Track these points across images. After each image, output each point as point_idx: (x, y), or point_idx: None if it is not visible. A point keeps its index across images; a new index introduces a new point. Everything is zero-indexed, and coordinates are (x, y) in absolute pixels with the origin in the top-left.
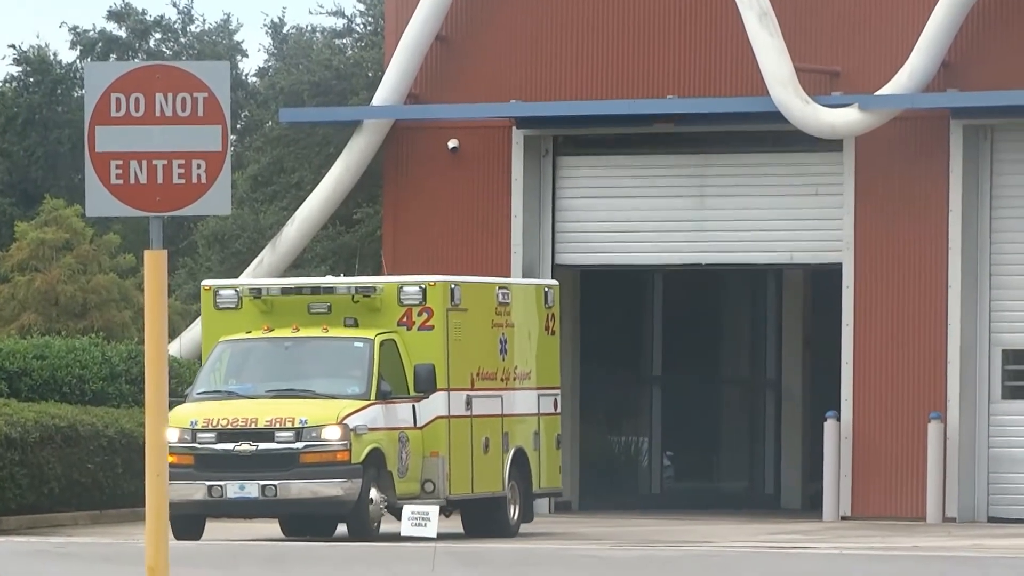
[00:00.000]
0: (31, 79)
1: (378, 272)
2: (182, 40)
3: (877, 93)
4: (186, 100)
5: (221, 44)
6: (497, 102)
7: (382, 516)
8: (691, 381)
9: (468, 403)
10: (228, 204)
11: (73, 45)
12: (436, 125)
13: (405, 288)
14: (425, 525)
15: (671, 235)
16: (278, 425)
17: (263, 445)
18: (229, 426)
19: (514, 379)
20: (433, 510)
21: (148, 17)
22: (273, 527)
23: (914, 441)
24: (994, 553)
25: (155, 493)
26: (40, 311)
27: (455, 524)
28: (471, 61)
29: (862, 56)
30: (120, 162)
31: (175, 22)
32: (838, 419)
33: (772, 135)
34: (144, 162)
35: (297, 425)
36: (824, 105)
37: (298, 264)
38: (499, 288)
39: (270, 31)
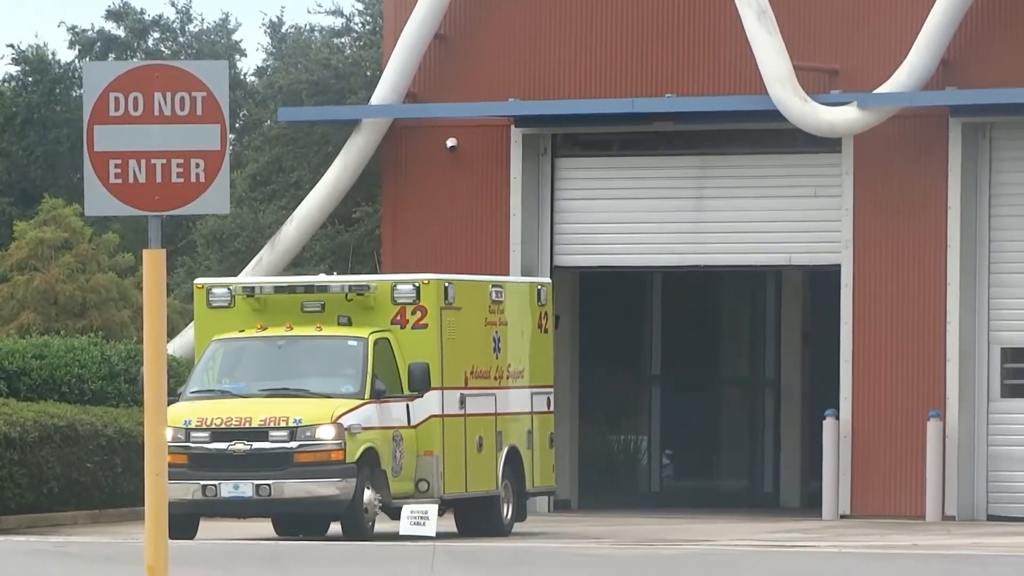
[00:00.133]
0: (30, 78)
1: (374, 271)
2: (180, 39)
3: (876, 91)
4: (185, 99)
5: (219, 43)
6: (496, 101)
7: (376, 515)
8: (690, 380)
9: (462, 402)
10: (227, 203)
11: (72, 44)
12: (435, 124)
13: (399, 286)
14: (424, 524)
15: (670, 237)
16: (272, 424)
17: (257, 444)
18: (223, 425)
19: (507, 377)
20: (432, 509)
21: (146, 16)
22: (266, 526)
23: (913, 439)
24: (993, 551)
25: (154, 492)
26: (39, 310)
27: (448, 523)
28: (470, 60)
29: (861, 54)
30: (119, 161)
31: (173, 21)
32: (837, 417)
33: (771, 134)
34: (143, 161)
35: (291, 424)
36: (823, 103)
37: (297, 263)
38: (492, 286)
39: (268, 30)
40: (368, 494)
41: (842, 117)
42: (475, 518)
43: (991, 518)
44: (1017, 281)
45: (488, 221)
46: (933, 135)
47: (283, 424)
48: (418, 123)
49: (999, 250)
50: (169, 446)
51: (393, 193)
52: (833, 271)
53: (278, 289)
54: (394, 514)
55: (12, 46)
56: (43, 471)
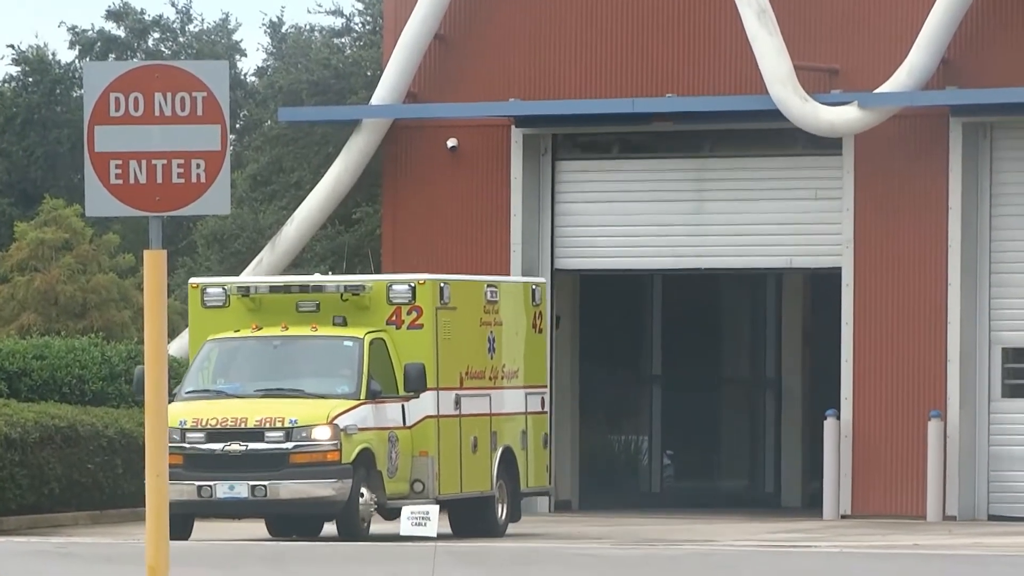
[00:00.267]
0: (30, 79)
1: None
2: (181, 40)
3: (876, 91)
4: (185, 100)
5: (220, 43)
6: (496, 101)
7: (372, 516)
8: (691, 380)
9: (457, 402)
10: (227, 204)
11: (72, 45)
12: (435, 124)
13: (394, 287)
14: (425, 525)
15: (670, 239)
16: (268, 425)
17: (253, 445)
18: (219, 426)
19: (502, 378)
20: (433, 509)
21: (147, 17)
22: (259, 527)
23: (914, 439)
24: (994, 551)
25: (155, 493)
26: (40, 311)
27: (442, 524)
28: (470, 60)
29: (861, 54)
30: (119, 162)
31: (174, 22)
32: (838, 418)
33: (771, 136)
34: (143, 162)
35: (287, 425)
36: (823, 103)
37: (297, 263)
38: (487, 286)
39: (269, 30)
40: (364, 495)
41: (842, 117)
42: (470, 518)
43: (992, 518)
44: (1018, 281)
45: (488, 222)
46: (933, 135)
47: (279, 425)
48: (418, 123)
49: (1000, 250)
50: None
51: (393, 193)
52: (834, 273)
53: (273, 289)
54: (389, 515)
55: (12, 46)
56: (44, 472)
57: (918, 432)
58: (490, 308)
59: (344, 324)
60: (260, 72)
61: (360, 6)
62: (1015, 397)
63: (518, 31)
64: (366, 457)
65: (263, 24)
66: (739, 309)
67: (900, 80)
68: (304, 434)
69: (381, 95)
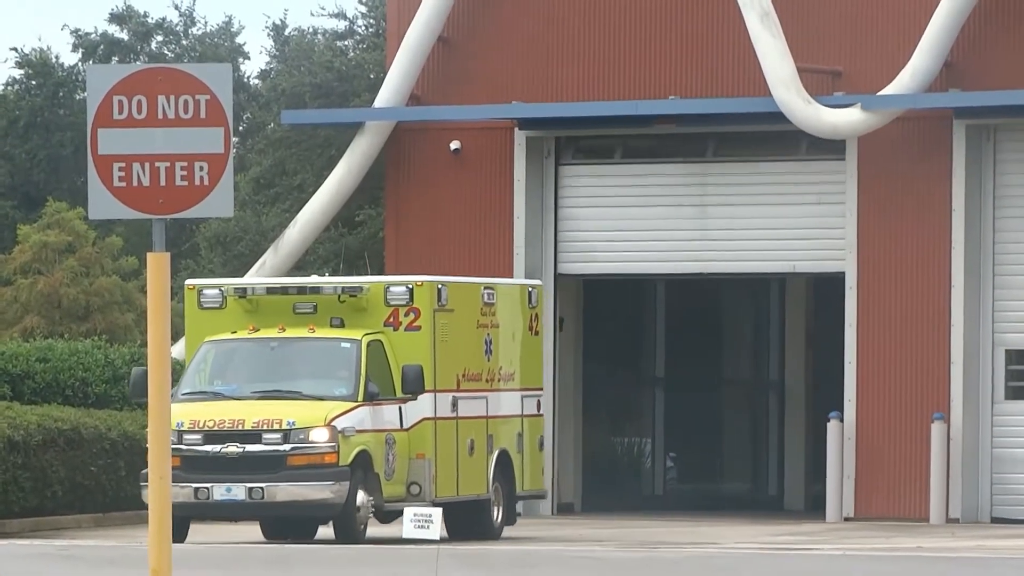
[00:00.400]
0: (33, 82)
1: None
2: (184, 42)
3: (880, 93)
4: (188, 102)
5: (223, 46)
6: (499, 103)
7: (369, 519)
8: (694, 383)
9: (454, 404)
10: (231, 206)
11: (75, 48)
12: (438, 127)
13: (392, 288)
14: (427, 527)
15: (673, 245)
16: (265, 427)
17: (250, 447)
18: (216, 427)
19: (499, 380)
20: (436, 512)
21: (150, 19)
22: (254, 529)
23: (917, 442)
24: (998, 554)
25: (158, 495)
26: (43, 314)
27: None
28: (473, 63)
29: (864, 56)
30: (123, 164)
31: (177, 24)
32: (841, 420)
33: (774, 141)
34: (147, 164)
35: (285, 427)
36: (826, 105)
37: (300, 266)
38: (484, 288)
39: (272, 33)
40: (361, 497)
41: (845, 119)
42: (465, 521)
43: (995, 520)
44: (1021, 283)
45: (491, 225)
46: (937, 137)
47: (276, 427)
48: (421, 126)
49: (1003, 252)
50: None
51: (396, 196)
52: (837, 278)
53: (270, 290)
54: (386, 518)
55: (15, 49)
56: (47, 475)
57: (921, 434)
58: (487, 310)
59: (341, 326)
60: (263, 75)
61: (363, 9)
62: (1018, 399)
63: (521, 33)
64: (363, 459)
65: (266, 27)
66: (742, 311)
67: (903, 82)
68: (302, 436)
69: (384, 98)
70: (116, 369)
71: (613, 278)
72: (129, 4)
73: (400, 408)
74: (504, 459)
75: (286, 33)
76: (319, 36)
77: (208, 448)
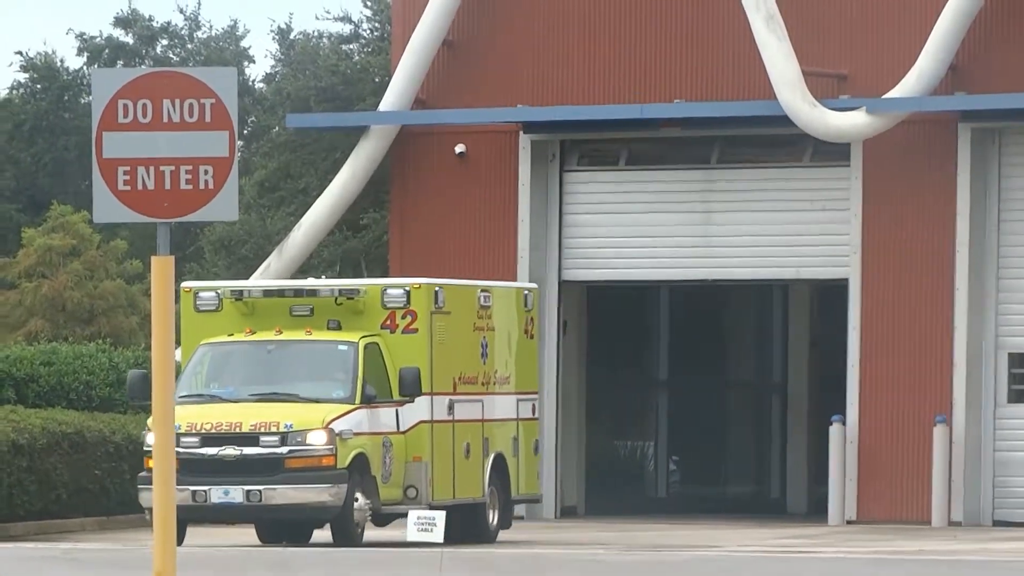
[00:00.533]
0: (38, 86)
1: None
2: (189, 46)
3: (885, 96)
4: (193, 106)
5: (228, 50)
6: (504, 107)
7: (367, 522)
8: (697, 386)
9: (450, 408)
10: (235, 210)
11: (80, 52)
12: (443, 130)
13: (389, 291)
14: (431, 530)
15: (677, 251)
16: (263, 429)
17: (248, 450)
18: (213, 430)
19: (494, 383)
20: (440, 515)
21: (155, 23)
22: (249, 532)
23: (919, 445)
24: (1000, 557)
25: (162, 498)
26: (47, 317)
27: None
28: (478, 66)
29: (869, 59)
30: (127, 168)
31: (182, 28)
32: (844, 423)
33: (779, 147)
34: (151, 168)
35: (282, 429)
36: (832, 108)
37: (305, 269)
38: (481, 291)
39: (277, 37)
40: (359, 500)
41: (851, 122)
42: (461, 524)
43: (997, 523)
44: None
45: (496, 227)
46: (942, 140)
47: (274, 429)
48: (426, 129)
49: (1007, 255)
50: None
51: (401, 199)
52: (841, 284)
53: (267, 293)
54: (382, 521)
55: (20, 53)
56: (51, 478)
57: (924, 437)
58: (483, 313)
59: (338, 328)
60: (268, 78)
61: (368, 12)
62: (1021, 402)
63: (526, 37)
64: (361, 462)
65: (271, 31)
66: (745, 315)
67: (909, 85)
68: (299, 439)
69: (389, 101)
70: (120, 373)
71: (617, 285)
72: (134, 8)
73: (397, 411)
74: (500, 462)
75: (291, 37)
76: (324, 40)
77: (205, 451)
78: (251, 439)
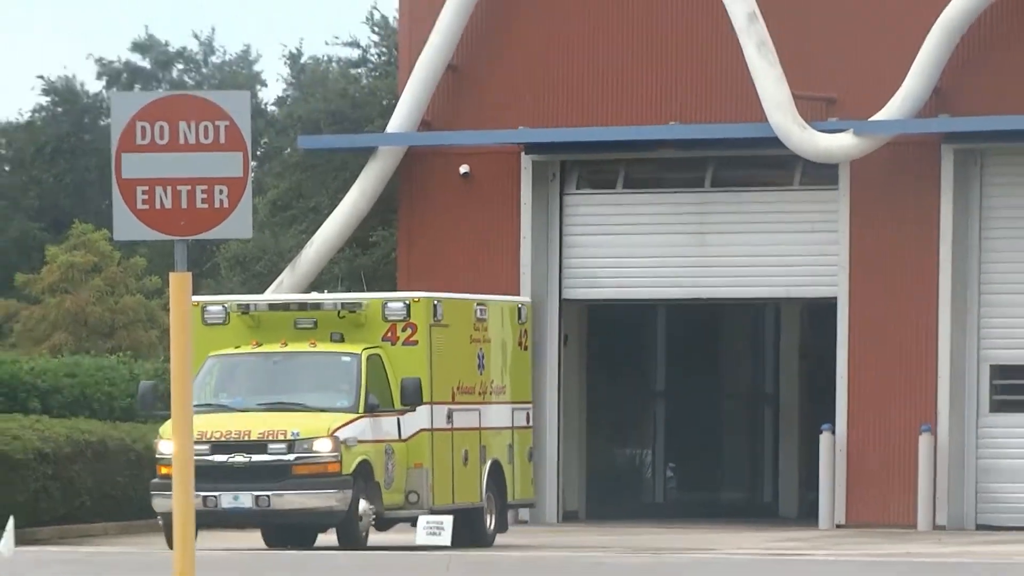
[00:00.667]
0: (59, 109)
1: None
2: (204, 70)
3: (871, 119)
4: (208, 128)
5: (241, 74)
6: (506, 129)
7: (371, 526)
8: (693, 396)
9: (450, 416)
10: (249, 228)
11: (99, 75)
12: (448, 151)
13: (390, 304)
14: (439, 534)
15: (673, 271)
16: (271, 437)
17: (256, 457)
18: (223, 438)
19: (491, 393)
20: (447, 520)
21: (171, 48)
22: (255, 537)
23: (905, 453)
24: (982, 559)
25: (182, 504)
26: (70, 331)
27: None
28: (481, 90)
29: (857, 83)
30: (146, 188)
31: (197, 53)
32: (833, 432)
33: (771, 168)
34: (169, 188)
35: (289, 437)
36: (820, 131)
37: (316, 285)
38: (477, 304)
39: (288, 61)
40: (363, 505)
41: (839, 144)
42: (459, 529)
43: (980, 527)
44: (1006, 301)
45: (499, 245)
46: (926, 161)
47: (281, 437)
48: (432, 150)
49: (989, 271)
50: (171, 458)
51: (408, 218)
52: (830, 302)
53: (272, 307)
54: (384, 525)
55: (42, 77)
56: (75, 485)
57: (909, 445)
58: (479, 326)
59: (341, 340)
60: (280, 101)
61: (376, 38)
62: (1003, 412)
63: (527, 62)
64: (364, 469)
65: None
66: (739, 330)
67: (895, 107)
68: (306, 446)
69: (396, 123)
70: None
71: (616, 303)
72: (151, 33)
73: (398, 419)
74: (496, 469)
75: (302, 62)
76: (333, 64)
77: (216, 458)
78: (259, 447)
